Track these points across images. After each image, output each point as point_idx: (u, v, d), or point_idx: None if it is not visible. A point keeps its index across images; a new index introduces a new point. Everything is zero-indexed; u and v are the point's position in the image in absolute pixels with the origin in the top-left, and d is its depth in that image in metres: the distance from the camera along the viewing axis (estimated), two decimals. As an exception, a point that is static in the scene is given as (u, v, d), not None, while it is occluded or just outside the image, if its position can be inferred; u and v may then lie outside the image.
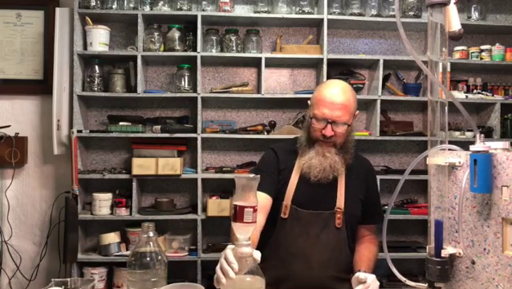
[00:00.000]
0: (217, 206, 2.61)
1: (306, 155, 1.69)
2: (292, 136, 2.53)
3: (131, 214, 2.65)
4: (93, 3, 2.67)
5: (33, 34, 2.87)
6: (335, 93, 1.66)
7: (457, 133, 2.78)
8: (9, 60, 2.86)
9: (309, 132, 1.72)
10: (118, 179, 2.70)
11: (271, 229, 1.73)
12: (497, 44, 2.80)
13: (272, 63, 2.86)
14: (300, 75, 2.94)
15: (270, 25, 2.89)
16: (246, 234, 1.19)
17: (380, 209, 1.87)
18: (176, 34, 2.69)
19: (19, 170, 2.86)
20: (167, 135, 2.62)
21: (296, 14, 2.75)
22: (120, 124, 2.68)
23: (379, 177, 2.55)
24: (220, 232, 2.84)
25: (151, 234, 1.27)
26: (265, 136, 2.71)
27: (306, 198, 1.69)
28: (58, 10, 2.69)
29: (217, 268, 1.20)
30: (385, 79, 2.86)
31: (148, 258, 1.24)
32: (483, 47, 2.81)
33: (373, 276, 1.50)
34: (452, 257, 1.04)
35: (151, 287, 1.22)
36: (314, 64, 2.90)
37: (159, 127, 2.65)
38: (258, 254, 1.21)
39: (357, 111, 1.75)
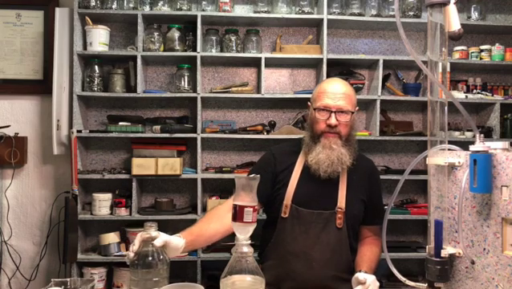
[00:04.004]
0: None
1: (313, 151, 1.69)
2: (292, 136, 2.56)
3: (130, 214, 2.65)
4: (93, 3, 2.67)
5: (33, 34, 2.87)
6: (335, 85, 1.72)
7: (457, 133, 2.78)
8: (9, 60, 2.86)
9: (312, 129, 1.73)
10: (118, 179, 2.70)
11: (272, 229, 1.73)
12: (497, 44, 2.80)
13: (272, 63, 2.86)
14: (300, 75, 2.94)
15: (270, 25, 2.89)
16: (246, 233, 1.19)
17: (383, 210, 1.87)
18: (176, 34, 2.69)
19: (19, 170, 2.86)
20: (167, 135, 2.62)
21: (296, 14, 2.76)
22: (120, 124, 2.68)
23: (378, 177, 2.55)
24: (220, 232, 2.84)
25: (153, 233, 1.27)
26: (264, 136, 2.71)
27: (307, 198, 1.69)
28: (57, 10, 2.69)
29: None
30: (385, 79, 2.86)
31: (151, 258, 1.24)
32: (483, 47, 2.81)
33: (373, 277, 1.50)
34: (451, 257, 1.04)
35: (153, 287, 1.22)
36: (314, 64, 2.90)
37: (159, 127, 2.65)
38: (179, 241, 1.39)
39: (357, 107, 1.77)
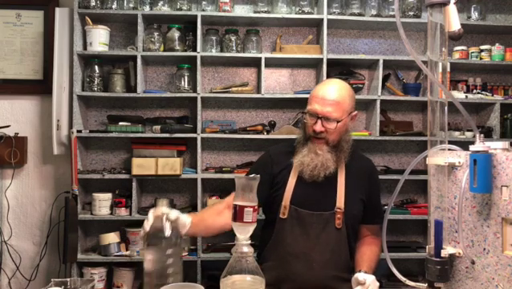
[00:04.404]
0: (216, 206, 2.61)
1: (300, 153, 1.71)
2: (292, 136, 2.55)
3: (130, 214, 2.65)
4: (93, 3, 2.67)
5: (33, 34, 2.87)
6: (328, 90, 1.68)
7: (457, 133, 2.78)
8: (9, 60, 2.86)
9: (304, 130, 1.74)
10: (118, 179, 2.70)
11: (270, 230, 1.73)
12: (497, 44, 2.80)
13: (272, 63, 2.86)
14: (300, 75, 2.94)
15: (270, 25, 2.89)
16: (246, 233, 1.19)
17: (382, 209, 1.87)
18: (176, 34, 2.69)
19: (19, 170, 2.86)
20: (167, 135, 2.62)
21: (296, 14, 2.75)
22: (120, 124, 2.68)
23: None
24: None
25: (164, 209, 1.32)
26: (264, 136, 2.71)
27: (305, 198, 1.69)
28: (57, 10, 2.69)
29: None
30: (385, 79, 2.86)
31: (165, 231, 1.27)
32: (483, 47, 2.81)
33: (373, 277, 1.50)
34: (452, 257, 1.04)
35: (167, 259, 1.24)
36: (314, 64, 2.90)
37: (159, 127, 2.65)
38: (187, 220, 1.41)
39: (355, 112, 1.75)
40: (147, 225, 1.30)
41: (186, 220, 1.43)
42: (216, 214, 1.66)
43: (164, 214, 1.31)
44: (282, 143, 1.94)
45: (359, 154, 1.84)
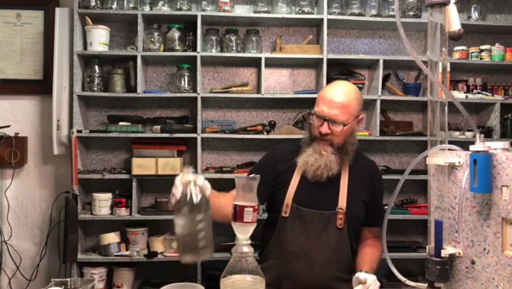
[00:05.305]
0: (216, 206, 2.61)
1: (305, 153, 1.71)
2: (292, 136, 2.56)
3: (131, 214, 2.65)
4: (93, 3, 2.67)
5: (33, 34, 2.87)
6: (336, 92, 1.68)
7: (457, 133, 2.78)
8: (9, 60, 2.86)
9: (310, 131, 1.74)
10: (118, 179, 2.70)
11: (272, 229, 1.74)
12: (497, 44, 2.80)
13: (272, 63, 2.86)
14: (300, 75, 2.94)
15: (270, 25, 2.89)
16: (246, 233, 1.19)
17: (384, 212, 1.87)
18: (176, 34, 2.69)
19: (19, 170, 2.86)
20: (167, 135, 2.62)
21: (296, 14, 2.76)
22: (120, 124, 2.68)
23: (379, 177, 2.55)
24: (220, 232, 2.82)
25: (191, 177, 1.28)
26: (265, 136, 2.71)
27: (308, 197, 1.69)
28: (58, 10, 2.69)
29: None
30: (385, 79, 2.86)
31: (194, 197, 1.23)
32: (483, 47, 2.81)
33: (374, 277, 1.50)
34: (452, 257, 1.04)
35: (197, 225, 1.21)
36: (314, 64, 2.90)
37: (159, 127, 2.65)
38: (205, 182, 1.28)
39: (362, 115, 1.75)
40: (177, 193, 1.25)
41: (208, 185, 1.32)
42: (224, 203, 1.61)
43: (192, 180, 1.26)
44: (288, 142, 1.94)
45: (362, 156, 1.85)
